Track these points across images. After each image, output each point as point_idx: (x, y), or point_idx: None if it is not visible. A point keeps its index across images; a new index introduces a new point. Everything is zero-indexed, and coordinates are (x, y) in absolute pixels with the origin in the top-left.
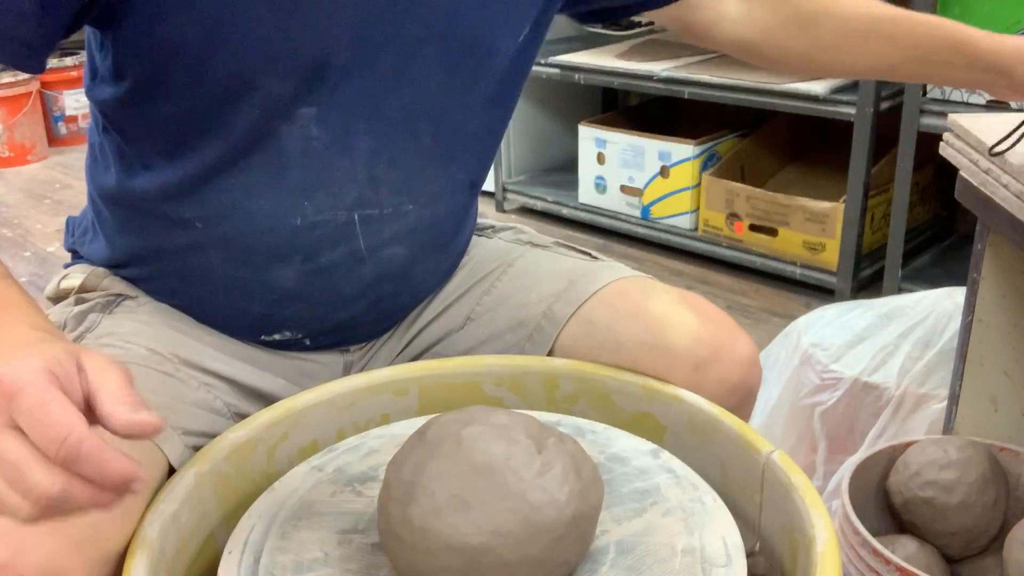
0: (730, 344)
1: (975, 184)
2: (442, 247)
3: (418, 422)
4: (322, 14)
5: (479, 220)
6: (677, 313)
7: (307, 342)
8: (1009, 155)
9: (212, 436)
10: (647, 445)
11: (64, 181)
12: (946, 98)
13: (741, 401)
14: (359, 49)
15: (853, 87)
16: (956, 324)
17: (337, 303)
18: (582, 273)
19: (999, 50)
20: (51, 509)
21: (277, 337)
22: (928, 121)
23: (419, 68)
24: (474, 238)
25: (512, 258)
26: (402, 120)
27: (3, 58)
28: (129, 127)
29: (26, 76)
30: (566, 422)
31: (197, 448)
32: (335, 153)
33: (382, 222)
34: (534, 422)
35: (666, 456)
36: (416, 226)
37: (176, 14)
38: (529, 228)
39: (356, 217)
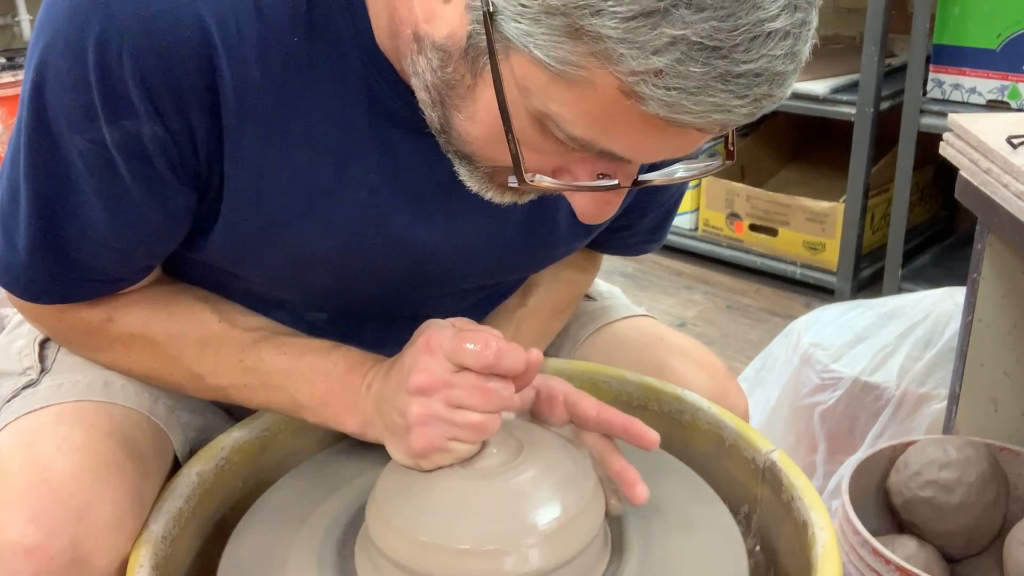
0: (724, 396)
1: (975, 184)
2: None
3: None
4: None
5: None
6: (673, 365)
7: None
8: (1010, 155)
9: (214, 435)
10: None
11: None
12: (946, 98)
13: None
14: (383, 302)
15: (853, 87)
16: (956, 324)
17: None
18: (575, 318)
19: None
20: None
21: None
22: (928, 121)
23: (436, 295)
24: None
25: None
26: (412, 313)
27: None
28: None
29: None
30: None
31: (200, 446)
32: (339, 339)
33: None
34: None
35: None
36: None
37: (210, 247)
38: None
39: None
